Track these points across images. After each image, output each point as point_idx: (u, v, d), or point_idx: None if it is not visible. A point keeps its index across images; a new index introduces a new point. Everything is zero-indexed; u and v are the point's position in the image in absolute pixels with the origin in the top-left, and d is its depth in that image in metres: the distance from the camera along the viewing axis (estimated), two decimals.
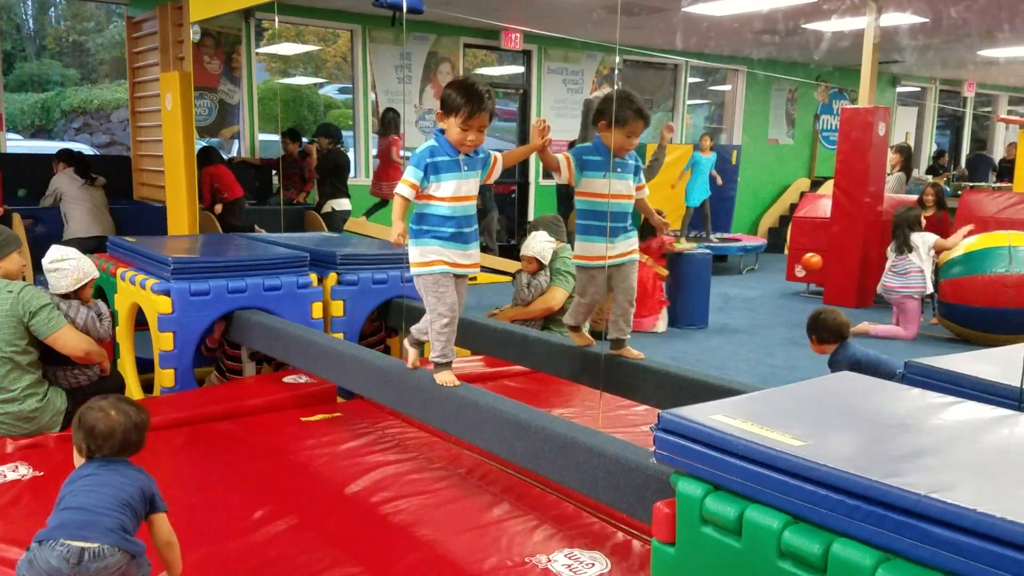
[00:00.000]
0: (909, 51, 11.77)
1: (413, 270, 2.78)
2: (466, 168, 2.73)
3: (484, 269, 9.07)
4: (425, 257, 2.73)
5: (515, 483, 2.95)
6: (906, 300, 6.71)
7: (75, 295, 3.56)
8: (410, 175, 2.69)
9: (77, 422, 2.06)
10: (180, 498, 2.77)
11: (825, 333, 3.87)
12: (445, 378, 2.75)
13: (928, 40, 11.19)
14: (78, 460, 2.09)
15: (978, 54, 12.48)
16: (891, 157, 9.69)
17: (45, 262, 3.58)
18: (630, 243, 3.06)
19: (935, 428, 1.70)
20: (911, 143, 13.88)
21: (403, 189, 2.70)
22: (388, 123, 9.42)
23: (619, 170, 2.96)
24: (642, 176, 3.10)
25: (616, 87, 3.04)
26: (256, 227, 7.76)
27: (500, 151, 2.93)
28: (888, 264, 6.93)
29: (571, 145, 10.66)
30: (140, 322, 4.16)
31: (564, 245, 5.04)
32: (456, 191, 2.70)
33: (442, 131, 2.72)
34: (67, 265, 3.54)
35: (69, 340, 3.30)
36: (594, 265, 3.02)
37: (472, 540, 2.52)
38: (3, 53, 8.63)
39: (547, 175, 11.73)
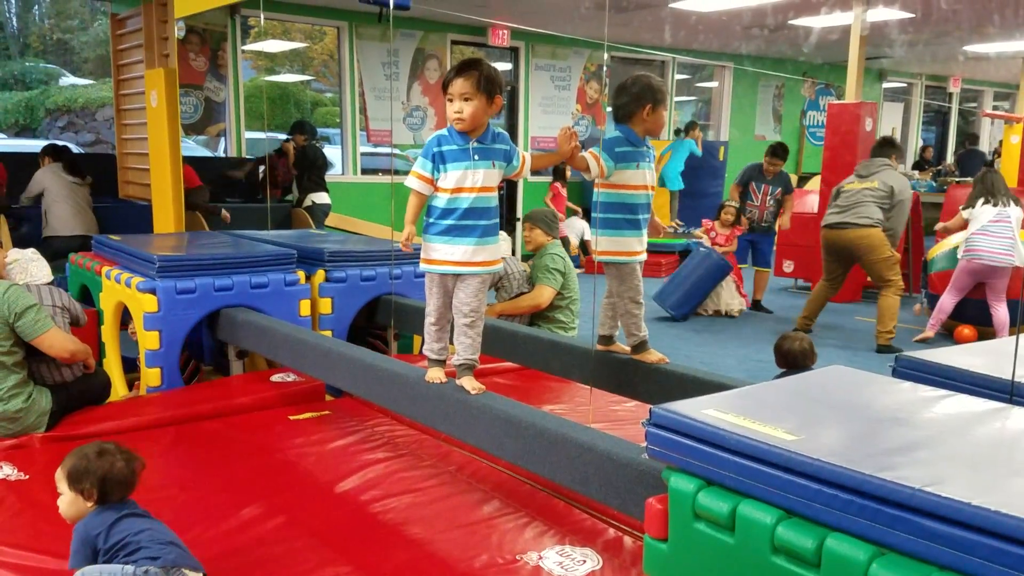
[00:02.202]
0: (897, 46, 11.82)
1: (423, 265, 2.70)
2: (477, 157, 2.58)
3: None
4: (425, 253, 2.65)
5: (505, 480, 2.94)
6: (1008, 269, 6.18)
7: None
8: (419, 167, 2.60)
9: (85, 469, 2.09)
10: (168, 497, 2.74)
11: (777, 357, 3.68)
12: (431, 375, 2.73)
13: (916, 35, 11.24)
14: (79, 504, 2.10)
15: (964, 49, 12.54)
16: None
17: (25, 253, 3.74)
18: (645, 238, 2.93)
19: (927, 421, 1.70)
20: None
21: (413, 182, 2.60)
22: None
23: (648, 160, 2.86)
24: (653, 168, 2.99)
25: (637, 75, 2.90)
26: (223, 211, 7.78)
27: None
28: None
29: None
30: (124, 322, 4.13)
31: (555, 240, 5.00)
32: (460, 181, 2.56)
33: None
34: (37, 255, 3.79)
35: (55, 342, 3.27)
36: (627, 261, 2.87)
37: (462, 538, 2.50)
38: None
39: (535, 171, 11.74)
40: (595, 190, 2.87)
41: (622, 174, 2.81)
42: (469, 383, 2.62)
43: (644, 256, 2.91)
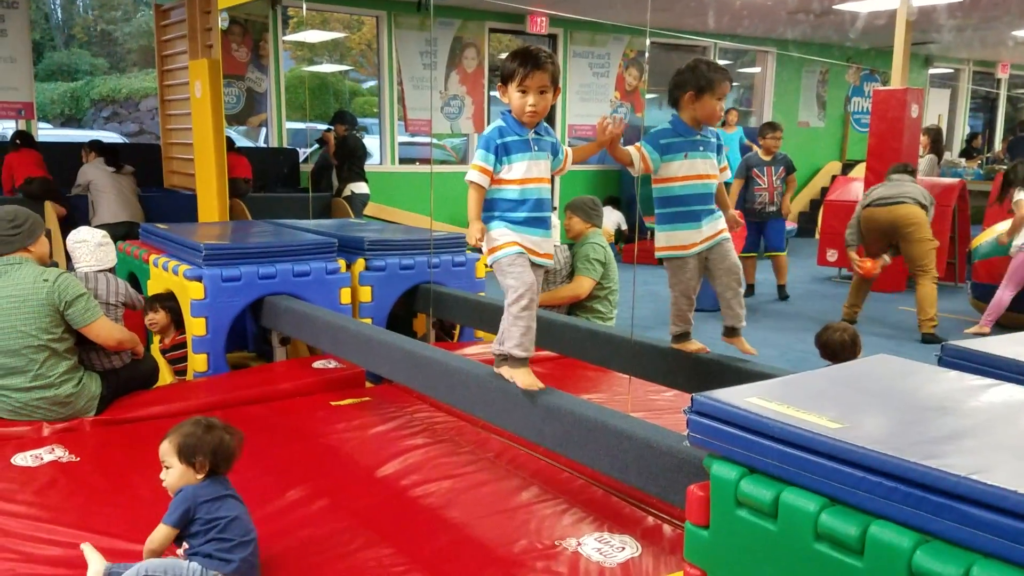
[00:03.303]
0: (944, 31, 11.57)
1: (488, 258, 2.58)
2: (536, 148, 2.54)
3: None
4: (497, 240, 2.53)
5: (544, 467, 2.95)
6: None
7: (109, 270, 3.70)
8: (481, 159, 2.50)
9: (197, 442, 2.13)
10: None
11: (819, 349, 3.62)
12: (525, 379, 2.50)
13: (963, 20, 10.99)
14: (189, 476, 2.13)
15: (1013, 34, 12.24)
16: (921, 139, 9.52)
17: (95, 236, 3.81)
18: (718, 223, 2.80)
19: (973, 410, 1.68)
20: (943, 125, 13.65)
21: (475, 176, 2.50)
22: None
23: (701, 148, 2.74)
24: (725, 156, 2.84)
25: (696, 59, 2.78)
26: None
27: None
28: None
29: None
30: None
31: (595, 229, 4.95)
32: (527, 172, 2.51)
33: (509, 111, 2.56)
34: (108, 241, 3.83)
35: (102, 331, 3.34)
36: (681, 255, 2.77)
37: (502, 523, 2.52)
38: (32, 43, 8.70)
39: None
40: (652, 185, 2.79)
41: (668, 166, 2.73)
42: (528, 379, 2.53)
43: (717, 239, 2.77)
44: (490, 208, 2.55)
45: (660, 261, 2.87)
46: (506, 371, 2.56)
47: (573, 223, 4.96)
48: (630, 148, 2.72)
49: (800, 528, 1.51)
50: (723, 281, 2.82)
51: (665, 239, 2.80)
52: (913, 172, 6.85)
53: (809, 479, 1.52)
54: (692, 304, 2.89)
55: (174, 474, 2.14)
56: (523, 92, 2.49)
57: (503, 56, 2.64)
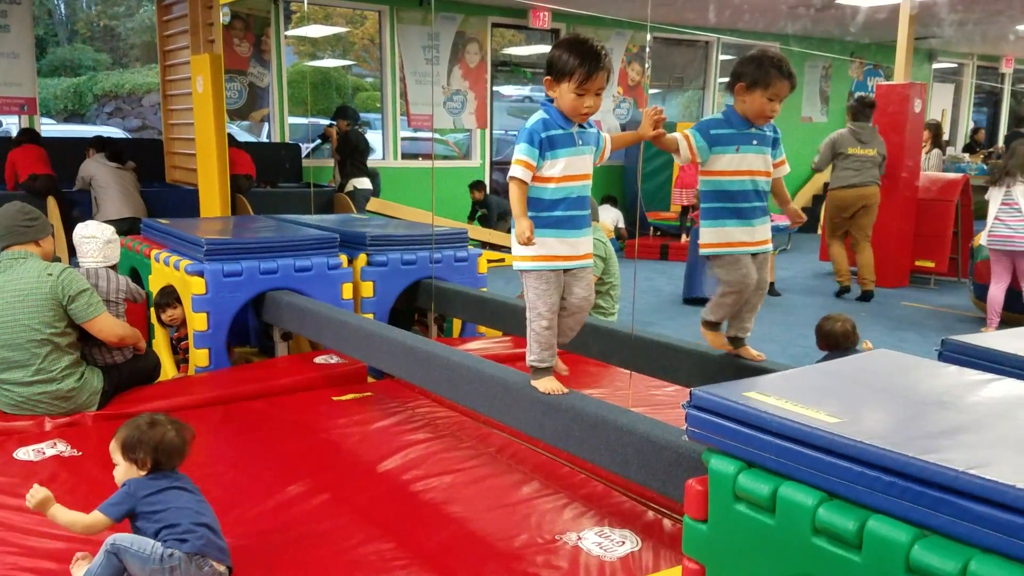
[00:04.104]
0: (947, 25, 11.54)
1: (515, 264, 2.45)
2: (580, 142, 2.39)
3: (499, 248, 9.10)
4: (527, 251, 2.39)
5: (545, 462, 2.96)
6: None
7: (113, 267, 3.73)
8: (524, 154, 2.33)
9: (138, 439, 2.15)
10: (216, 474, 2.81)
11: (818, 338, 3.63)
12: (547, 385, 2.46)
13: (966, 14, 10.96)
14: (132, 473, 2.15)
15: (1017, 29, 12.20)
16: (922, 134, 9.50)
17: (105, 233, 3.81)
18: (767, 229, 2.64)
19: (973, 405, 1.68)
20: (947, 120, 13.61)
21: (519, 171, 2.33)
22: None
23: (755, 142, 2.56)
24: (782, 150, 2.67)
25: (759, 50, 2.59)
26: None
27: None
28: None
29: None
30: None
31: (595, 224, 4.96)
32: (568, 169, 2.36)
33: (551, 100, 2.38)
34: (116, 238, 3.84)
35: (105, 326, 3.36)
36: (732, 252, 2.59)
37: (503, 517, 2.53)
38: (36, 38, 8.71)
39: None
40: (699, 177, 2.66)
41: (719, 159, 2.56)
42: (552, 385, 2.46)
43: (758, 249, 2.62)
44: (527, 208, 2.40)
45: (706, 258, 2.68)
46: (534, 382, 2.48)
47: None
48: (677, 135, 2.56)
49: (798, 522, 1.51)
50: (755, 295, 2.67)
51: (714, 235, 2.61)
52: (873, 106, 7.78)
53: (807, 473, 1.52)
54: (738, 304, 2.67)
55: (119, 471, 2.18)
56: (580, 94, 2.32)
57: (552, 48, 2.42)
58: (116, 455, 2.18)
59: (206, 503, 2.21)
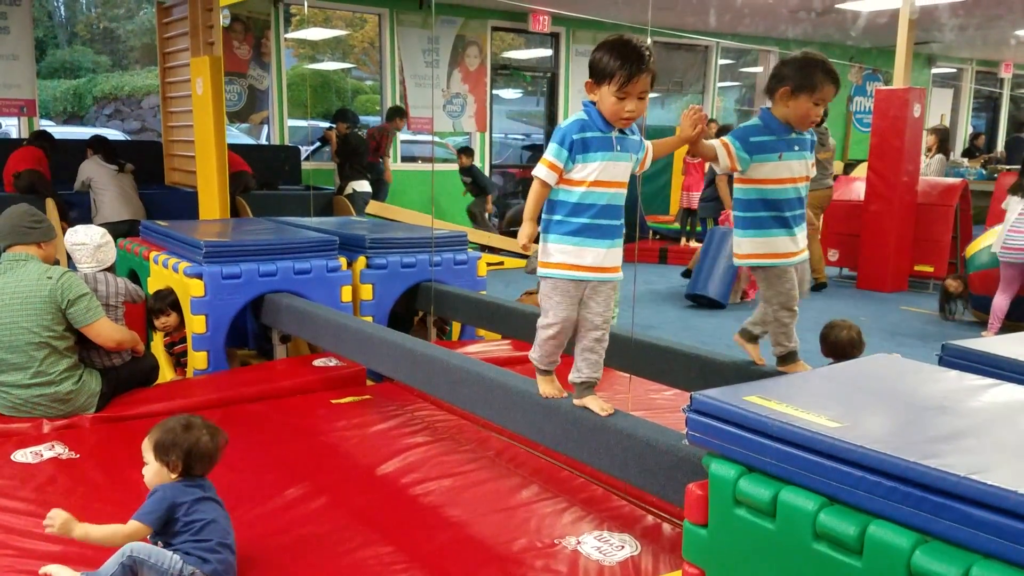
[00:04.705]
0: (946, 30, 11.55)
1: (541, 269, 2.32)
2: (619, 148, 2.25)
3: (498, 251, 9.09)
4: (550, 255, 2.28)
5: (544, 466, 2.95)
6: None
7: (109, 268, 3.72)
8: (552, 155, 2.22)
9: (172, 441, 2.13)
10: (214, 476, 2.79)
11: (823, 346, 3.50)
12: (546, 388, 2.43)
13: (966, 19, 10.98)
14: (163, 475, 2.14)
15: (1017, 34, 12.22)
16: (928, 139, 9.54)
17: (93, 239, 3.74)
18: (806, 234, 2.55)
19: (973, 410, 1.67)
20: (947, 125, 13.63)
21: (543, 172, 2.22)
22: None
23: (796, 148, 2.47)
24: (814, 153, 2.60)
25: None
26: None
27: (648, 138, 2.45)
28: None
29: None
30: None
31: None
32: (600, 174, 2.22)
33: (593, 103, 2.26)
34: (108, 239, 3.78)
35: (103, 331, 3.35)
36: (777, 264, 2.48)
37: (502, 521, 2.52)
38: (35, 40, 8.71)
39: None
40: (734, 184, 2.56)
41: (761, 167, 2.45)
42: (597, 404, 2.32)
43: (800, 257, 2.53)
44: (549, 210, 2.29)
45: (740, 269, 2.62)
46: (578, 400, 2.36)
47: None
48: (715, 143, 2.44)
49: (799, 527, 1.51)
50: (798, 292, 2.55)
51: (755, 245, 2.50)
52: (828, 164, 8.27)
53: (808, 478, 1.52)
54: (795, 316, 2.55)
55: (150, 471, 2.16)
56: (621, 98, 2.19)
57: (594, 50, 2.25)
58: (148, 454, 2.16)
59: (227, 514, 2.20)
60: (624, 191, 2.30)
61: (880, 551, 1.39)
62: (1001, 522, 1.27)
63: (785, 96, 2.43)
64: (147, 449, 2.16)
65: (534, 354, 2.43)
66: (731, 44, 12.82)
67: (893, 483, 1.40)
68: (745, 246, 2.53)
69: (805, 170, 2.50)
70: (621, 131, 2.27)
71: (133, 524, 2.06)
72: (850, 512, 1.45)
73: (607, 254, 2.27)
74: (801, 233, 2.52)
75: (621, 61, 2.17)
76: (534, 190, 2.25)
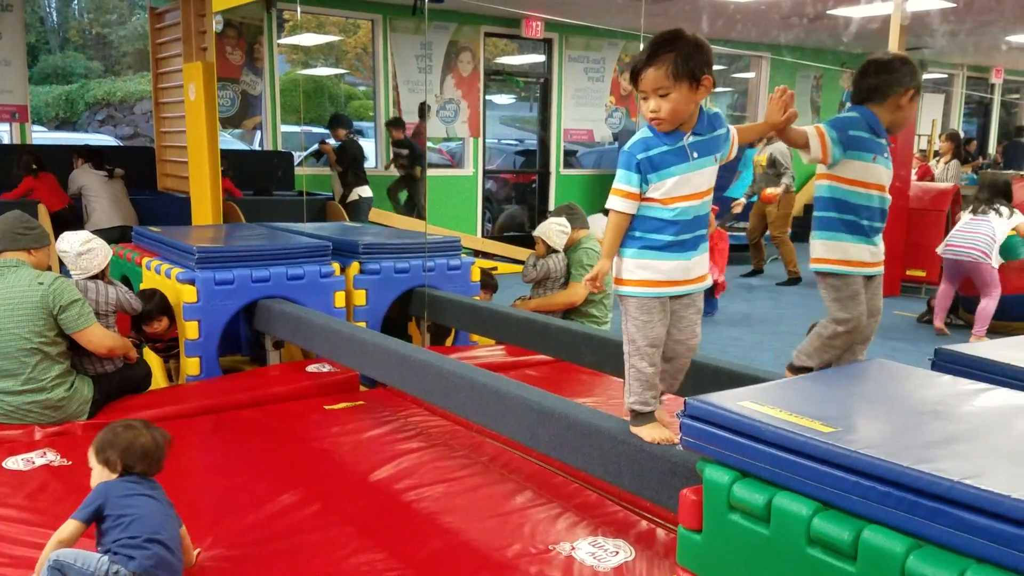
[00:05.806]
0: (938, 36, 11.61)
1: (619, 288, 2.15)
2: (696, 155, 2.06)
3: (502, 259, 9.09)
4: (631, 273, 2.10)
5: (538, 471, 2.95)
6: (979, 264, 6.31)
7: (100, 275, 3.67)
8: (623, 182, 2.06)
9: (109, 441, 2.16)
10: (207, 483, 2.79)
11: None
12: (652, 434, 2.11)
13: (957, 25, 11.03)
14: (104, 476, 2.15)
15: (1007, 39, 12.29)
16: (942, 145, 9.74)
17: (73, 246, 3.64)
18: (883, 249, 2.34)
19: (967, 415, 1.68)
20: (936, 130, 13.70)
21: (617, 203, 2.07)
22: None
23: (886, 155, 2.28)
24: None
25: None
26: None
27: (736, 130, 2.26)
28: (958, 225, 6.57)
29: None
30: None
31: (587, 233, 4.96)
32: (680, 187, 2.05)
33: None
34: (95, 245, 3.69)
35: (95, 337, 3.34)
36: (853, 272, 2.27)
37: (496, 527, 2.51)
38: (27, 46, 8.69)
39: (568, 163, 11.71)
40: (815, 181, 2.35)
41: (849, 164, 2.22)
42: (657, 433, 2.13)
43: (876, 270, 2.32)
44: (631, 229, 2.11)
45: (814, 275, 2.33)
46: (634, 429, 2.16)
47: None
48: (808, 129, 2.22)
49: (793, 533, 1.50)
50: (868, 324, 2.32)
51: (830, 249, 2.27)
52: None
53: (802, 483, 1.52)
54: (866, 338, 2.34)
55: (94, 474, 2.18)
56: (644, 98, 2.05)
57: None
58: (91, 459, 2.19)
59: (173, 516, 2.18)
60: (709, 198, 2.13)
61: (874, 556, 1.39)
62: (995, 527, 1.27)
63: (908, 100, 2.25)
64: (90, 454, 2.19)
65: (632, 396, 2.16)
66: (723, 50, 12.85)
67: (887, 488, 1.40)
68: (820, 249, 2.29)
69: (888, 180, 2.30)
70: (696, 133, 2.08)
71: (68, 523, 2.08)
72: (844, 517, 1.45)
73: (692, 265, 2.13)
74: (880, 245, 2.32)
75: (637, 59, 2.07)
76: (612, 224, 2.10)
